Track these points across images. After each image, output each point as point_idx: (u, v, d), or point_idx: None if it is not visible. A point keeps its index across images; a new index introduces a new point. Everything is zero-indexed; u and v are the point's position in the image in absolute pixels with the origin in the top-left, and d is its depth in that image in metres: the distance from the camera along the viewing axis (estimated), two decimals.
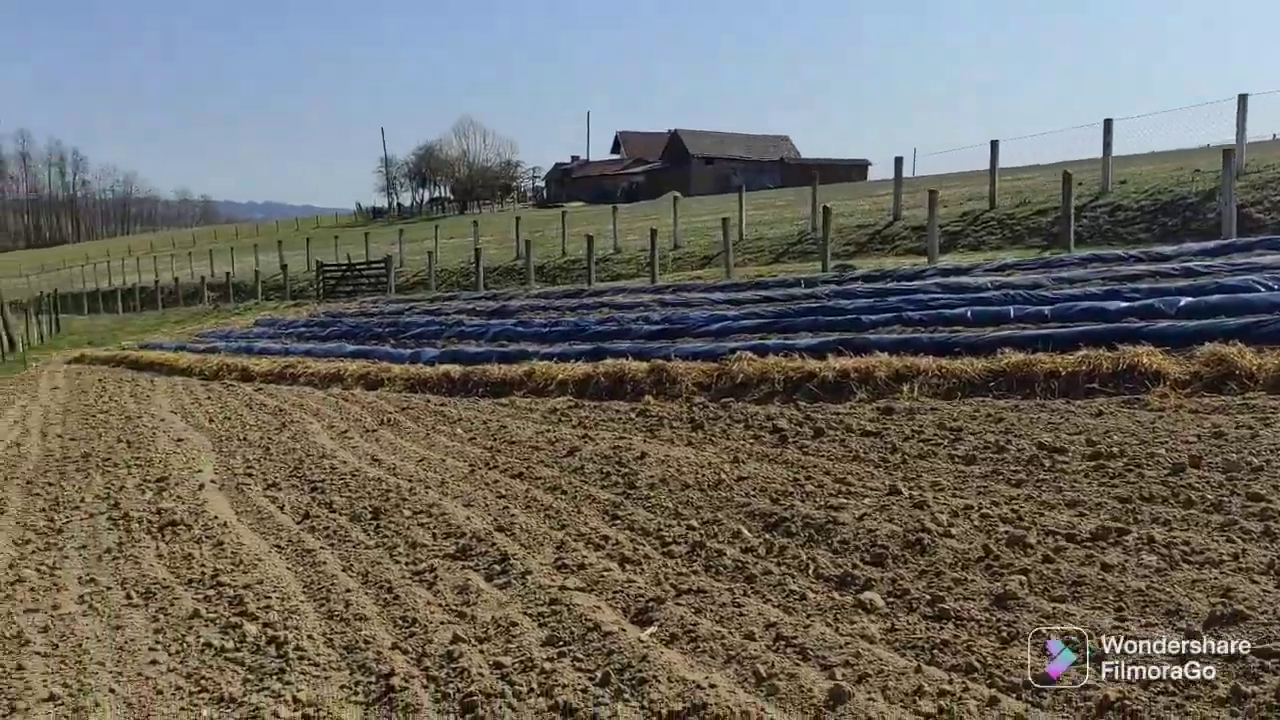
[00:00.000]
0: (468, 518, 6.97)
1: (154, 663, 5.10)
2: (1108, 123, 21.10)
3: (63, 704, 4.72)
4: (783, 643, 4.27)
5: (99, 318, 44.73)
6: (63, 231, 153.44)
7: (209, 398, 15.44)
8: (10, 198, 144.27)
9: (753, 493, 6.64)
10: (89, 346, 28.09)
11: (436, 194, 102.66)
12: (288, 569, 6.41)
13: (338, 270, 35.56)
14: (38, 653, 5.42)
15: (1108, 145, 21.26)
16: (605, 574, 5.45)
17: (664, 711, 3.78)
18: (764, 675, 3.97)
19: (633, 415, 10.05)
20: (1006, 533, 5.19)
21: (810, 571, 5.12)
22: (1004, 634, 4.09)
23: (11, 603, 6.31)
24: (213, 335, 25.50)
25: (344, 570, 6.23)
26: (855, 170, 70.69)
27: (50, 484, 9.85)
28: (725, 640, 4.35)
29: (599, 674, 4.18)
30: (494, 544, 6.25)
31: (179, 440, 11.68)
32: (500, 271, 30.74)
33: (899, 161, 25.33)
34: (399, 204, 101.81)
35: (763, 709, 3.70)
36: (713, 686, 3.90)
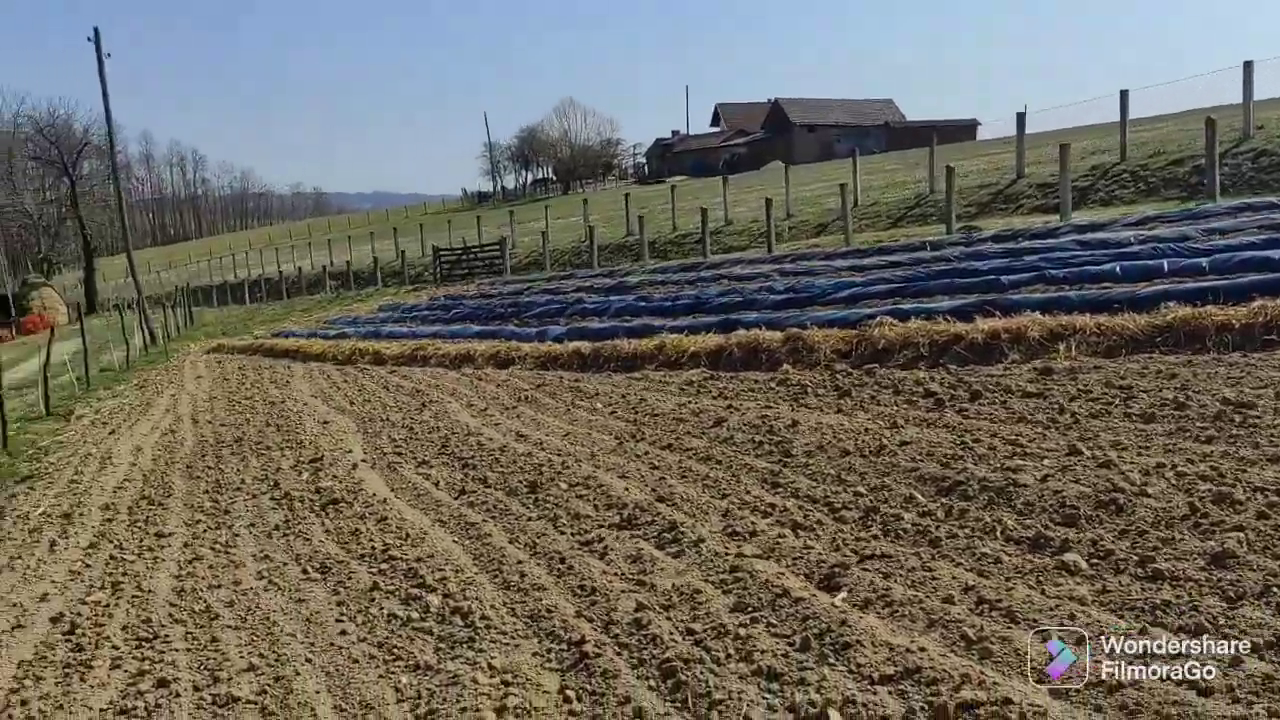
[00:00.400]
0: (625, 489, 6.96)
1: (343, 633, 5.22)
2: (1248, 65, 19.90)
3: (263, 674, 4.87)
4: (986, 606, 4.13)
5: (229, 309, 46.45)
6: (185, 228, 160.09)
7: (346, 381, 15.84)
8: (136, 198, 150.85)
9: (919, 457, 6.45)
10: (224, 337, 29.16)
11: (539, 175, 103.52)
12: (454, 542, 6.51)
13: (453, 254, 36.08)
14: (229, 626, 5.61)
15: (1248, 90, 20.09)
16: (780, 541, 5.37)
17: (875, 675, 3.69)
18: (973, 639, 3.83)
19: (773, 384, 9.91)
20: (1210, 490, 4.92)
21: (998, 534, 4.95)
22: (1229, 594, 3.86)
23: (194, 579, 6.56)
24: (340, 321, 26.17)
25: (510, 543, 6.28)
26: (963, 130, 68.30)
27: (209, 467, 10.24)
28: (924, 604, 4.22)
29: (797, 639, 4.10)
30: (658, 514, 6.22)
31: (324, 423, 12.00)
32: (611, 249, 30.77)
33: (1020, 117, 24.39)
34: (503, 187, 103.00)
35: (981, 672, 3.56)
36: (922, 650, 3.78)
